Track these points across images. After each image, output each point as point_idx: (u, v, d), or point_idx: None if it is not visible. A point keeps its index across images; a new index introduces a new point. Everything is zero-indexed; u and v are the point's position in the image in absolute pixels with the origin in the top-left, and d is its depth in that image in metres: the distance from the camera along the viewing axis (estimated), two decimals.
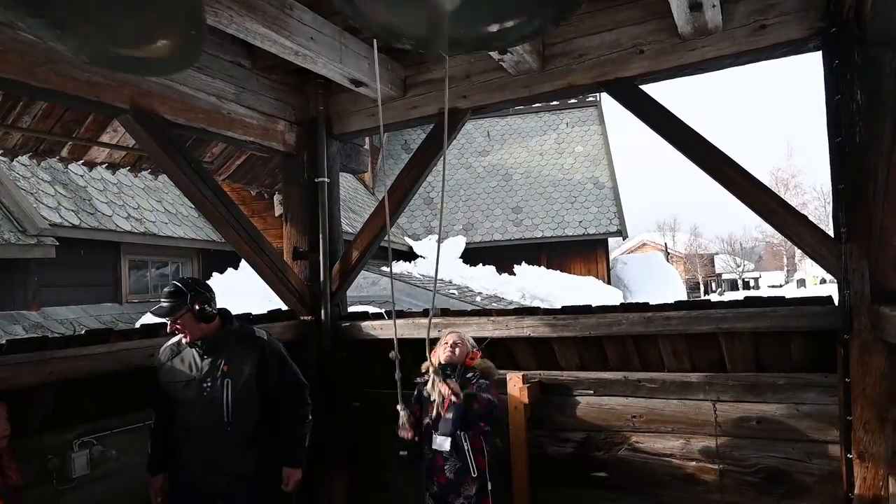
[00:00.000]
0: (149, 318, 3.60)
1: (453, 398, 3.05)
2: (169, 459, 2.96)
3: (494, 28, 1.52)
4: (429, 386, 3.25)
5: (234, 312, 3.95)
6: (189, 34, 1.56)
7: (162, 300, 2.83)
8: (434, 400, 3.26)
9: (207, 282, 3.68)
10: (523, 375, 3.75)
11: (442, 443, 3.19)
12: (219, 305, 2.99)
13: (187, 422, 2.87)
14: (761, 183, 3.16)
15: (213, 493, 2.89)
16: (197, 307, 2.82)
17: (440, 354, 3.36)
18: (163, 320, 2.86)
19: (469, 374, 3.30)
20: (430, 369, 3.18)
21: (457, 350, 3.34)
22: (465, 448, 3.16)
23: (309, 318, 4.28)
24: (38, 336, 3.10)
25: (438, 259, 2.45)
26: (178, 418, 2.90)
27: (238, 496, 2.90)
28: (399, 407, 3.08)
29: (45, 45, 2.68)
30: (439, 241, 2.36)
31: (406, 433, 3.20)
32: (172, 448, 2.94)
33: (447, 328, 3.65)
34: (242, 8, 2.71)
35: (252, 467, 2.91)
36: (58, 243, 7.99)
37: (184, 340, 2.90)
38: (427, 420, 3.31)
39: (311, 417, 3.15)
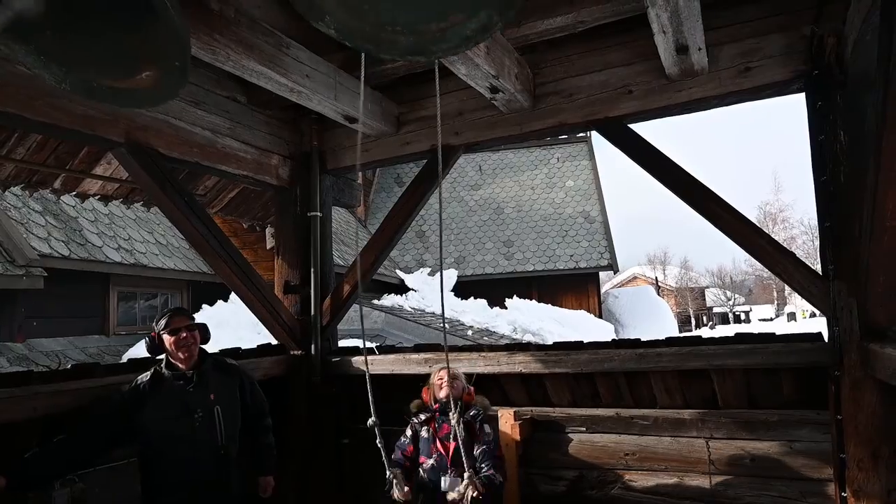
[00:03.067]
0: (136, 352, 3.57)
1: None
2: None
3: (433, 27, 1.41)
4: (454, 496, 2.85)
5: (223, 346, 3.94)
6: (174, 65, 1.55)
7: (174, 316, 2.99)
8: (428, 437, 3.16)
9: (197, 314, 3.69)
10: (515, 412, 3.72)
11: (452, 484, 2.99)
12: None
13: (179, 451, 2.86)
14: (749, 220, 3.21)
15: None
16: (203, 328, 3.07)
17: (435, 391, 3.28)
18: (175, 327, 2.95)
19: (472, 413, 3.22)
20: (453, 407, 2.85)
21: (455, 383, 3.23)
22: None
23: (299, 352, 4.25)
24: (23, 370, 3.06)
25: (443, 296, 2.45)
26: (168, 449, 2.87)
27: None
28: (388, 474, 2.87)
29: (41, 78, 2.72)
30: (441, 278, 2.37)
31: (400, 493, 2.94)
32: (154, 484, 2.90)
33: (437, 363, 3.62)
34: (240, 46, 2.76)
35: (239, 486, 3.07)
36: (46, 274, 7.92)
37: (183, 360, 2.93)
38: (431, 462, 3.14)
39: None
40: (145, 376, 2.92)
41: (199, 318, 3.50)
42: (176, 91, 1.64)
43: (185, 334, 2.91)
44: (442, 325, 2.46)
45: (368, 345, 4.60)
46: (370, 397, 2.61)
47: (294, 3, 1.36)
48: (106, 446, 2.85)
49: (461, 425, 2.93)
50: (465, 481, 2.75)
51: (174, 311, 3.01)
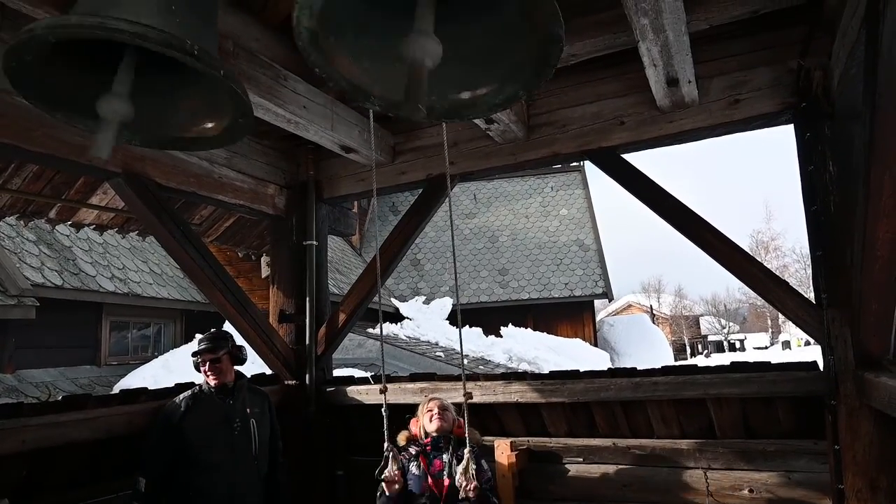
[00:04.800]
0: (127, 382, 3.57)
1: (471, 491, 2.70)
2: None
3: (466, 96, 1.55)
4: (460, 469, 2.71)
5: None
6: (238, 121, 1.66)
7: (204, 343, 3.16)
8: (419, 473, 3.04)
9: (190, 345, 3.75)
10: (511, 442, 3.68)
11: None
12: None
13: (218, 459, 3.05)
14: (742, 249, 3.23)
15: None
16: (235, 351, 3.24)
17: (425, 424, 3.20)
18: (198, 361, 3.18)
19: (464, 449, 3.12)
20: (467, 445, 2.71)
21: (446, 415, 3.17)
22: None
23: (293, 382, 4.21)
24: (12, 402, 3.01)
25: (460, 321, 2.45)
26: (208, 457, 3.03)
27: None
28: (386, 446, 2.70)
29: (39, 110, 2.75)
30: (458, 311, 2.36)
31: (393, 483, 2.80)
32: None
33: (432, 393, 3.59)
34: (239, 78, 2.80)
35: (263, 500, 3.25)
36: (38, 304, 7.86)
37: (212, 382, 3.13)
38: (423, 501, 3.00)
39: None
40: (187, 393, 3.15)
41: (193, 346, 3.52)
42: (240, 138, 1.77)
43: (208, 365, 3.13)
44: (461, 359, 2.57)
45: (363, 374, 4.56)
46: (384, 413, 2.66)
47: (348, 92, 1.50)
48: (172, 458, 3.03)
49: (455, 462, 2.87)
50: (465, 456, 2.65)
51: (208, 340, 3.17)
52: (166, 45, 1.33)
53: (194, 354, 3.19)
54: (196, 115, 1.69)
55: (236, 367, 3.29)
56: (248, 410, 3.21)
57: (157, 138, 1.72)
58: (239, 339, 4.22)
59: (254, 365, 5.11)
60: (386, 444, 2.74)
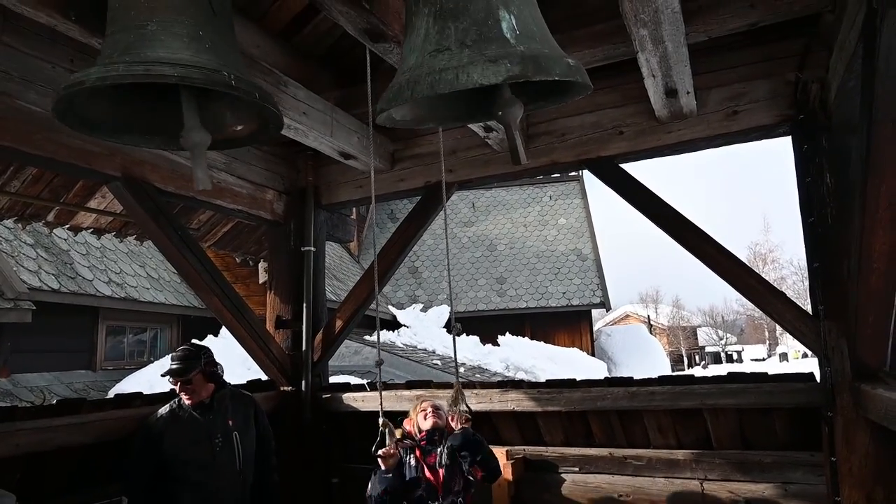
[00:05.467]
0: (123, 387, 3.53)
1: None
2: None
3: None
4: (445, 403, 2.91)
5: None
6: (267, 126, 1.86)
7: (174, 363, 2.97)
8: (416, 465, 3.08)
9: None
10: (507, 451, 3.67)
11: None
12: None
13: (199, 477, 2.95)
14: (740, 260, 3.24)
15: None
16: (209, 368, 3.05)
17: (419, 422, 3.22)
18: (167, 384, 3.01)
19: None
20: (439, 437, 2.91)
21: (439, 413, 3.17)
22: None
23: (289, 388, 4.19)
24: (6, 406, 3.00)
25: (454, 326, 2.45)
26: (189, 476, 2.95)
27: None
28: (381, 421, 2.69)
29: (40, 113, 2.76)
30: (452, 318, 2.37)
31: (389, 458, 2.78)
32: None
33: (428, 400, 3.58)
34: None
35: None
36: (34, 308, 7.84)
37: (186, 402, 3.00)
38: (419, 492, 3.01)
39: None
40: (165, 408, 3.02)
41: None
42: (269, 139, 2.03)
43: (183, 388, 2.99)
44: (454, 364, 2.73)
45: (360, 381, 4.55)
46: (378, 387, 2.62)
47: (407, 126, 1.83)
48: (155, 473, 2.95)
49: (447, 453, 2.91)
50: (453, 390, 2.79)
51: (178, 361, 2.98)
52: (209, 81, 1.53)
53: (164, 375, 3.00)
54: (229, 122, 1.89)
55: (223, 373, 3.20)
56: (229, 423, 3.08)
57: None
58: (234, 345, 4.22)
59: (250, 371, 5.10)
60: (381, 420, 2.70)
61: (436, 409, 3.20)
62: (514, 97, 1.59)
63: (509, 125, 1.59)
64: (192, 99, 1.68)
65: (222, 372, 3.15)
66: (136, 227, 4.65)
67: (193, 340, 3.49)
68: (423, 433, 3.17)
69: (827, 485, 2.99)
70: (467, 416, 2.86)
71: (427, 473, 3.07)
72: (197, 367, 2.98)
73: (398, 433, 3.24)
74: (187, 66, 1.52)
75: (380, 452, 2.76)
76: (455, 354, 3.18)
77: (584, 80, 1.52)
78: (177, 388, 3.00)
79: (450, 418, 3.07)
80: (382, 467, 2.83)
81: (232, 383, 3.91)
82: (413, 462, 3.08)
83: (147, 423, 3.00)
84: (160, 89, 1.77)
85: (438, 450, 3.10)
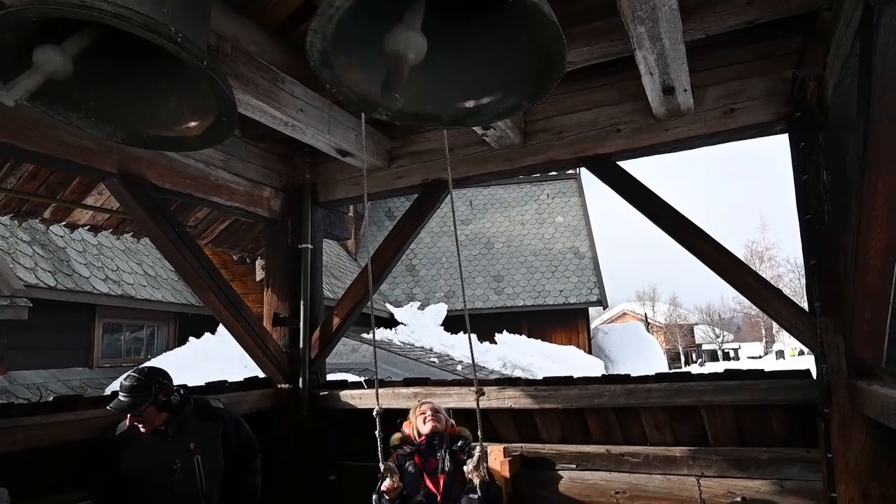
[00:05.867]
0: (119, 385, 3.50)
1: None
2: None
3: (471, 104, 1.60)
4: (470, 465, 2.77)
5: (210, 379, 3.89)
6: (221, 119, 1.64)
7: (122, 395, 2.75)
8: (415, 472, 3.08)
9: (183, 348, 3.64)
10: (504, 448, 3.67)
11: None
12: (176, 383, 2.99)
13: (160, 500, 2.82)
14: (737, 258, 3.25)
15: None
16: (163, 398, 2.81)
17: (418, 425, 3.22)
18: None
19: (459, 443, 3.14)
20: (480, 449, 2.77)
21: (439, 416, 3.17)
22: None
23: (286, 386, 4.19)
24: (3, 403, 2.99)
25: (469, 327, 2.46)
26: (148, 497, 2.82)
27: None
28: (383, 464, 2.71)
29: (36, 110, 2.75)
30: (466, 317, 2.37)
31: (394, 491, 2.80)
32: None
33: (426, 398, 3.58)
34: (237, 81, 2.80)
35: None
36: (31, 304, 7.82)
37: (142, 430, 2.81)
38: (419, 499, 3.01)
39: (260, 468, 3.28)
40: (124, 424, 2.84)
41: (185, 350, 3.45)
42: (224, 138, 1.75)
43: (133, 421, 2.79)
44: (471, 361, 2.70)
45: (356, 379, 4.55)
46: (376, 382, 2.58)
47: (358, 105, 1.56)
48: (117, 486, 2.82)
49: (448, 458, 2.89)
50: (477, 453, 2.71)
51: (127, 393, 2.74)
52: (147, 28, 1.27)
53: (110, 408, 2.76)
54: (179, 112, 1.66)
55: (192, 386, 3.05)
56: (190, 447, 2.89)
57: (139, 135, 1.69)
58: (232, 343, 4.22)
59: (247, 369, 5.10)
60: (381, 459, 2.71)
61: (435, 411, 3.16)
62: (416, 28, 1.31)
63: (400, 55, 1.29)
64: (88, 37, 1.40)
65: (176, 401, 2.88)
66: (132, 224, 4.64)
67: (150, 364, 3.26)
68: (423, 438, 3.15)
69: (823, 481, 3.00)
70: (485, 478, 2.76)
71: (426, 480, 3.04)
72: (147, 400, 2.76)
73: (397, 439, 3.25)
74: (129, 9, 1.27)
75: (383, 488, 2.79)
76: (478, 415, 2.72)
77: (552, 19, 1.28)
78: (126, 420, 2.81)
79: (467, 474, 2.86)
80: (387, 497, 2.85)
81: (224, 380, 3.92)
82: (412, 469, 3.06)
83: (105, 439, 2.87)
84: (119, 66, 1.55)
85: (439, 454, 3.07)
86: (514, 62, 1.52)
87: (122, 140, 1.67)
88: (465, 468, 2.83)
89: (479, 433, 2.68)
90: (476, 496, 2.76)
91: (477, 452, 2.73)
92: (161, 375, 2.88)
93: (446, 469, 2.83)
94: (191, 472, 2.87)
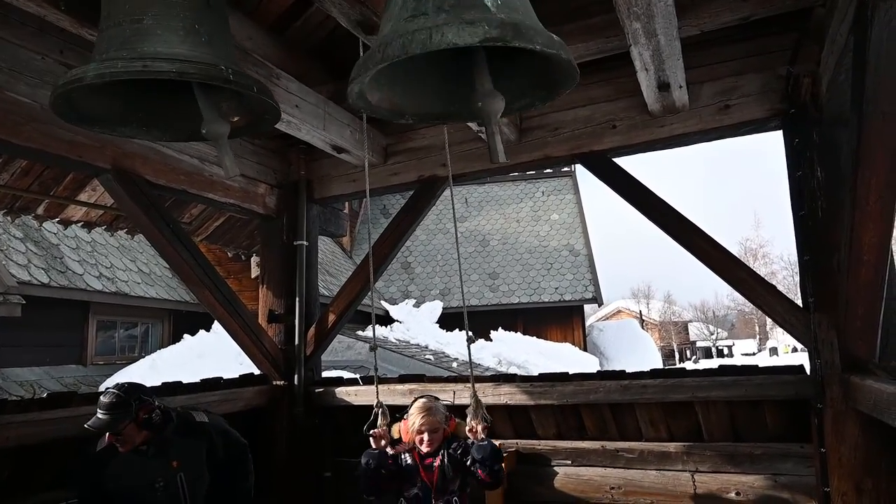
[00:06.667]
0: (113, 382, 3.45)
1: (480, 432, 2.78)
2: None
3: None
4: (468, 418, 2.79)
5: (204, 377, 3.88)
6: (263, 117, 1.92)
7: (100, 412, 2.57)
8: (413, 463, 3.04)
9: (178, 345, 3.61)
10: (500, 444, 3.67)
11: None
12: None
13: None
14: (731, 254, 3.26)
15: None
16: (143, 416, 2.65)
17: (417, 445, 3.00)
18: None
19: (454, 445, 3.10)
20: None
21: (435, 436, 2.95)
22: None
23: (282, 383, 4.19)
24: None
25: (468, 330, 2.46)
26: None
27: None
28: (376, 402, 2.72)
29: (29, 104, 2.73)
30: (465, 314, 2.37)
31: (380, 438, 2.79)
32: None
33: (421, 396, 3.56)
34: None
35: None
36: (24, 302, 7.78)
37: (120, 450, 2.67)
38: (415, 491, 2.92)
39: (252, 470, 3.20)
40: (104, 440, 2.68)
41: (180, 348, 3.41)
42: (268, 129, 2.06)
43: (111, 440, 2.65)
44: (468, 358, 2.69)
45: (351, 376, 4.55)
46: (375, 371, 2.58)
47: (387, 116, 1.75)
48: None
49: (446, 458, 2.87)
50: (472, 405, 2.73)
51: (104, 411, 2.57)
52: (207, 77, 1.57)
53: (88, 426, 2.58)
54: (226, 113, 1.92)
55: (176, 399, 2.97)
56: (173, 465, 2.77)
57: (187, 134, 1.93)
58: (227, 340, 4.21)
59: (242, 366, 5.09)
60: (376, 401, 2.77)
61: (432, 432, 2.96)
62: (495, 90, 1.48)
63: (489, 119, 1.47)
64: (204, 93, 1.74)
65: (157, 419, 2.71)
66: (126, 220, 4.63)
67: (129, 379, 3.06)
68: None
69: (816, 476, 3.02)
70: (486, 424, 2.77)
71: (422, 473, 2.97)
72: (127, 418, 2.59)
73: (397, 432, 3.21)
74: (185, 61, 1.56)
75: (371, 431, 2.78)
76: (471, 366, 2.90)
77: (567, 58, 1.41)
78: (105, 438, 2.66)
79: (468, 430, 2.84)
80: (373, 445, 2.82)
81: (219, 377, 3.90)
82: (409, 461, 3.00)
83: (86, 454, 2.75)
84: (158, 83, 1.77)
85: (442, 452, 3.03)
86: (530, 77, 1.70)
87: (170, 139, 1.95)
88: (466, 427, 2.85)
89: (472, 382, 2.80)
90: (486, 443, 2.79)
91: (471, 402, 2.78)
92: (142, 391, 2.73)
93: (444, 466, 2.82)
94: (174, 491, 2.77)
